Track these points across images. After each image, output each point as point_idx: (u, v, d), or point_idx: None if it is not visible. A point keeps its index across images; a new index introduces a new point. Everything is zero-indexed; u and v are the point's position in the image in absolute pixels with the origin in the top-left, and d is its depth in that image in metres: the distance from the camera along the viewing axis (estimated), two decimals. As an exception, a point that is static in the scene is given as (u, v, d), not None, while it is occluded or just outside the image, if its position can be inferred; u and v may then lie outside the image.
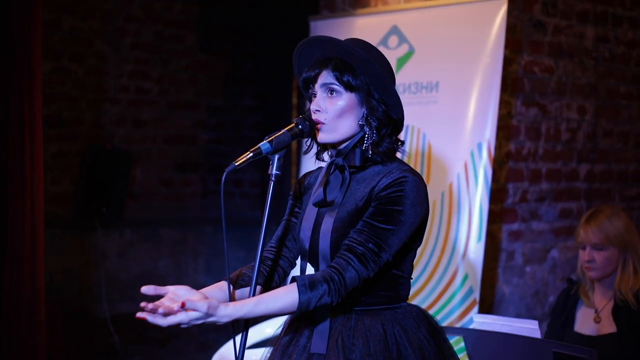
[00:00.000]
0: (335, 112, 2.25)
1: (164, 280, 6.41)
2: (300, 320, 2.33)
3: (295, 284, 2.11)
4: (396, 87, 2.30)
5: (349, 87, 2.25)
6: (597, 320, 3.31)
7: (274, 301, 2.10)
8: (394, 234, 2.17)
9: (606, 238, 3.24)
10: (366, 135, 2.27)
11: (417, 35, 4.36)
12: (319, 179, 2.38)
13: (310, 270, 2.35)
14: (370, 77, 2.25)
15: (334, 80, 2.25)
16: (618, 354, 3.21)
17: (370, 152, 2.27)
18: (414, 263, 2.37)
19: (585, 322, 3.35)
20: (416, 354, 2.20)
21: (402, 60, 4.36)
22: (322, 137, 2.28)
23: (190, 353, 6.21)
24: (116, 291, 6.26)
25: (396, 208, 2.18)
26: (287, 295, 2.10)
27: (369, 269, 2.15)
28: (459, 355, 2.53)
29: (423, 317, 2.32)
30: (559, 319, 3.43)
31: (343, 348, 2.20)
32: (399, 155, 2.38)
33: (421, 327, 2.27)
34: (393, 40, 4.42)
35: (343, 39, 2.29)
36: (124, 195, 6.44)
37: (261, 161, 2.22)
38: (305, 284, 2.10)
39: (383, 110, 2.26)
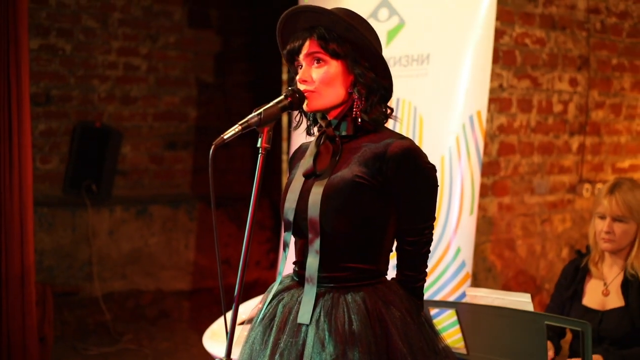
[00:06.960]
0: (322, 81, 2.21)
1: (155, 258, 6.41)
2: (281, 296, 2.30)
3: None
4: (387, 60, 2.27)
5: (335, 55, 2.21)
6: (606, 293, 3.31)
7: None
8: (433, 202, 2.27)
9: (629, 211, 3.24)
10: (355, 103, 2.23)
11: (408, 7, 4.32)
12: (309, 149, 2.34)
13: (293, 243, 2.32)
14: (356, 43, 2.21)
15: (319, 49, 2.21)
16: (625, 328, 3.21)
17: (360, 120, 2.23)
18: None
19: (593, 295, 3.35)
20: (398, 329, 2.17)
21: (393, 33, 4.32)
22: (310, 105, 2.24)
23: (182, 330, 6.20)
24: (107, 269, 6.23)
25: (425, 184, 2.22)
26: None
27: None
28: (452, 329, 2.52)
29: (404, 292, 2.28)
30: (566, 291, 3.42)
31: (325, 323, 2.16)
32: (390, 124, 2.35)
33: (403, 302, 2.23)
34: (383, 12, 4.38)
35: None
36: (114, 173, 6.41)
37: (253, 137, 2.18)
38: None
39: (371, 77, 2.22)
